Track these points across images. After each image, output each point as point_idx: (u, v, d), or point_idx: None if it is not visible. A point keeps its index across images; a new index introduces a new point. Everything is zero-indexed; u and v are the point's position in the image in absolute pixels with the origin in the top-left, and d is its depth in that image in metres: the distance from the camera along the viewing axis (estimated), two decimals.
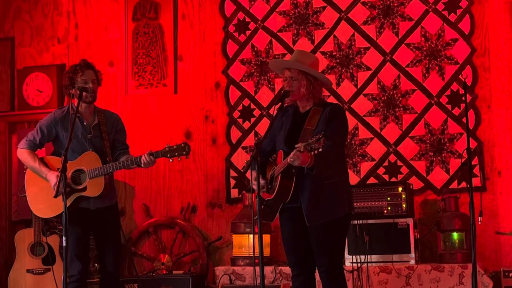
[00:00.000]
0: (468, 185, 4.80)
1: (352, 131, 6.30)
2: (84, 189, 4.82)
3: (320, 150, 3.97)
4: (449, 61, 6.15)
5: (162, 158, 4.79)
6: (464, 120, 5.64)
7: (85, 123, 4.94)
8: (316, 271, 4.50)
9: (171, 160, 4.77)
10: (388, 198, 5.73)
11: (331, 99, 6.31)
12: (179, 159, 4.74)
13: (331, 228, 4.34)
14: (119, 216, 5.19)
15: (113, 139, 5.00)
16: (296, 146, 4.10)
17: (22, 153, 4.99)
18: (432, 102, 6.17)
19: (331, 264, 4.35)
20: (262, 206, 4.24)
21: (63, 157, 4.43)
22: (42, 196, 4.91)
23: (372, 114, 6.29)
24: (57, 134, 4.97)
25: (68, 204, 4.67)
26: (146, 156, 4.71)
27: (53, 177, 4.80)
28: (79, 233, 4.86)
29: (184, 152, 4.68)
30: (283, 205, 4.40)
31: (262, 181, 4.40)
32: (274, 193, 4.32)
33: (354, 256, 5.60)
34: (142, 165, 4.76)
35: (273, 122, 4.48)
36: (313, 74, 4.49)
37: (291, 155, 4.12)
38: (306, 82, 4.44)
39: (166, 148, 4.71)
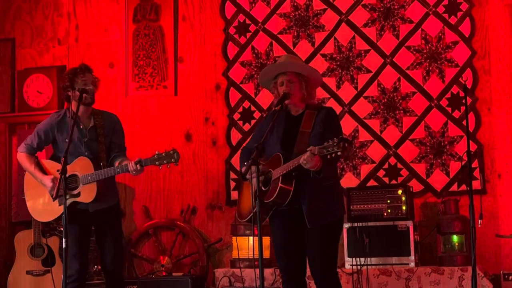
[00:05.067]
0: (468, 188, 4.80)
1: (352, 134, 6.30)
2: (78, 195, 4.83)
3: (339, 154, 3.98)
4: (449, 64, 6.15)
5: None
6: (464, 122, 5.64)
7: (81, 126, 4.93)
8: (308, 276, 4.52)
9: (160, 168, 4.71)
10: (388, 201, 5.73)
11: (331, 101, 6.32)
12: (168, 166, 4.68)
13: (329, 229, 4.35)
14: (120, 215, 5.16)
15: (110, 141, 4.97)
16: (308, 149, 4.10)
17: (20, 157, 5.03)
18: (432, 104, 6.17)
19: (327, 265, 4.34)
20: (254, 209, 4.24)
21: (63, 159, 4.47)
22: (41, 200, 4.93)
23: (372, 116, 6.29)
24: (54, 138, 4.98)
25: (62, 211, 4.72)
26: (132, 164, 4.68)
27: (48, 181, 4.86)
28: (77, 233, 4.86)
29: (172, 160, 4.60)
30: (276, 208, 4.39)
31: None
32: (274, 195, 4.31)
33: (354, 259, 5.60)
34: (131, 173, 4.72)
35: (262, 124, 4.55)
36: (310, 71, 4.56)
37: (305, 157, 4.10)
38: (304, 83, 4.47)
39: (155, 156, 4.66)
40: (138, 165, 4.65)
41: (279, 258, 4.50)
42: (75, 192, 4.82)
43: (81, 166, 4.83)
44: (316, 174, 4.22)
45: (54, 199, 4.67)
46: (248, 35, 6.66)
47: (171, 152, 4.61)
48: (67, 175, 4.74)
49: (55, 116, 5.03)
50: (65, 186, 4.46)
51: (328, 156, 4.02)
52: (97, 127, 4.92)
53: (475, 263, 4.64)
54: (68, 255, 4.74)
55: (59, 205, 4.79)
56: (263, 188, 4.40)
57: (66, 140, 4.78)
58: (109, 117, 5.05)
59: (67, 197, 4.72)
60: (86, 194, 4.80)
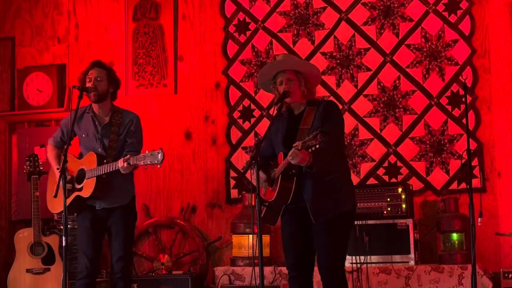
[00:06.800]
0: (468, 186, 4.80)
1: (352, 132, 6.30)
2: (81, 189, 4.87)
3: (317, 146, 3.95)
4: (449, 62, 6.15)
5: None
6: (464, 121, 5.64)
7: (96, 123, 4.95)
8: (315, 273, 4.50)
9: (145, 168, 4.63)
10: (388, 199, 5.73)
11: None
12: (152, 167, 4.57)
13: (335, 225, 4.30)
14: (131, 217, 5.00)
15: (125, 140, 4.94)
16: (294, 145, 4.11)
17: (47, 148, 5.15)
18: (432, 103, 6.17)
19: (334, 262, 4.33)
20: (263, 208, 4.25)
21: (63, 157, 4.53)
22: (53, 191, 4.93)
23: (372, 114, 6.29)
24: (75, 132, 5.00)
25: (68, 202, 4.76)
26: (121, 161, 4.64)
27: (57, 174, 4.84)
28: (87, 228, 4.88)
29: (156, 161, 4.46)
30: (286, 206, 4.39)
31: (264, 176, 4.41)
32: (275, 195, 4.31)
33: (353, 257, 5.59)
34: (121, 170, 4.66)
35: (271, 127, 4.49)
36: (308, 67, 4.54)
37: (290, 152, 4.11)
38: (303, 80, 4.46)
39: (142, 155, 4.57)
40: (125, 163, 4.60)
41: (287, 254, 4.49)
42: (79, 186, 4.85)
43: (88, 161, 4.86)
44: (308, 169, 4.21)
45: (54, 196, 4.69)
46: (248, 33, 6.66)
47: (156, 152, 4.48)
48: (78, 170, 4.87)
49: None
50: (65, 184, 4.48)
51: (309, 150, 4.00)
52: (112, 125, 4.91)
53: (475, 261, 4.64)
54: (78, 250, 4.91)
55: (67, 197, 4.78)
56: (270, 188, 4.42)
57: (83, 135, 4.91)
58: (127, 116, 5.00)
59: (72, 191, 4.83)
60: (87, 188, 4.82)
